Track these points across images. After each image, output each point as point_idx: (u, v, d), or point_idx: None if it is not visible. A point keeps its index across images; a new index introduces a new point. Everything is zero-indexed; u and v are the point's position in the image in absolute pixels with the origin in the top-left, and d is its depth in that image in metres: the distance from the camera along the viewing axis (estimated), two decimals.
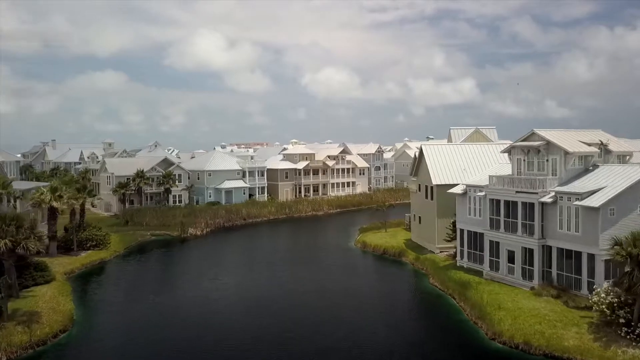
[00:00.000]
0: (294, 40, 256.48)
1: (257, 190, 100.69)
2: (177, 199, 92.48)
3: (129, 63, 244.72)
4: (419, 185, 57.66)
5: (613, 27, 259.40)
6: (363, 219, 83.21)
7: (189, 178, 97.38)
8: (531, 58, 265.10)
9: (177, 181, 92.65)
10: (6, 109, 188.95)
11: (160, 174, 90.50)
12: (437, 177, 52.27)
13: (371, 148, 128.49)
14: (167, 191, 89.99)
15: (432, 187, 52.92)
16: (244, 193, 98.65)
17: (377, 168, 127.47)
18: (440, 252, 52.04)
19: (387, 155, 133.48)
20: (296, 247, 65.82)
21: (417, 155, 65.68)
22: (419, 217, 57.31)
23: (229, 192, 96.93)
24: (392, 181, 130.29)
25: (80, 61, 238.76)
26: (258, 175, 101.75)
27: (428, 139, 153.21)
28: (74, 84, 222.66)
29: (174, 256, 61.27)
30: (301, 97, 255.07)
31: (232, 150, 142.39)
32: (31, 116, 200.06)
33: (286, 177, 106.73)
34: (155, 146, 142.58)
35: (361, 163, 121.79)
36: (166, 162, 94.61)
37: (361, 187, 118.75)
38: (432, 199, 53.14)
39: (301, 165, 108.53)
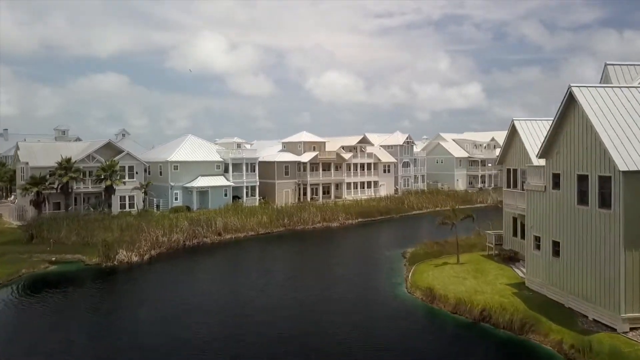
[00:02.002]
0: (297, 43, 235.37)
1: (244, 190, 71.42)
2: (127, 203, 63.40)
3: (130, 65, 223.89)
4: (554, 176, 28.19)
5: (622, 30, 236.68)
6: (401, 235, 54.15)
7: (148, 173, 68.48)
8: (538, 63, 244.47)
9: (126, 176, 63.83)
10: (11, 112, 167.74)
11: (100, 165, 61.47)
12: (625, 155, 22.82)
13: (398, 138, 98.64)
14: (109, 190, 60.76)
15: (602, 179, 23.55)
16: (226, 195, 69.32)
17: (406, 164, 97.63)
18: (631, 329, 22.61)
19: (417, 149, 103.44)
20: (298, 294, 35.33)
21: (517, 127, 37.07)
22: (552, 243, 27.87)
23: (203, 192, 67.70)
24: (424, 181, 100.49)
25: (81, 63, 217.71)
26: (247, 171, 72.42)
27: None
28: (75, 87, 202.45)
29: (55, 317, 31.70)
30: (305, 101, 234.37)
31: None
32: (35, 119, 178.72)
33: (286, 173, 77.26)
34: (124, 135, 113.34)
35: (386, 157, 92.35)
36: (111, 149, 65.20)
37: (386, 189, 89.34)
38: (603, 205, 23.68)
39: (307, 157, 79.03)
